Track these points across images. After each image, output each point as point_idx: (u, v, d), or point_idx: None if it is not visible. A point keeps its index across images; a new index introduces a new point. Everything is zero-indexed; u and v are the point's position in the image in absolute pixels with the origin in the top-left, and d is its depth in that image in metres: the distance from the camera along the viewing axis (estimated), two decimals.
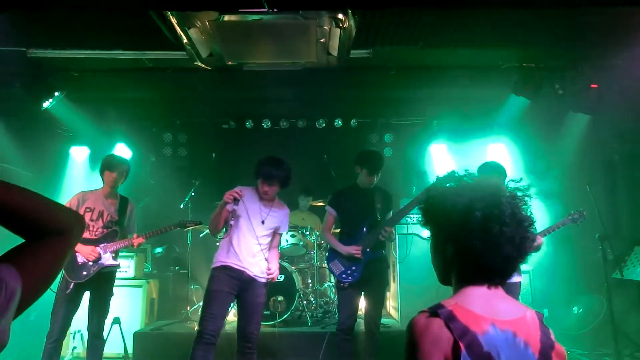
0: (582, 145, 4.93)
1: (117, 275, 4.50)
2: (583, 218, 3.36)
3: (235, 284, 2.98)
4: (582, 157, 4.91)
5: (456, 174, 1.22)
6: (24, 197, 0.79)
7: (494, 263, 1.07)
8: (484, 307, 1.04)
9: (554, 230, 3.34)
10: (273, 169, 3.05)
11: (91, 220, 3.33)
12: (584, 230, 4.25)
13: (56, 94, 4.63)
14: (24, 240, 0.81)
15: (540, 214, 4.62)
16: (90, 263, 3.24)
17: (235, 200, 2.98)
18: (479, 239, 1.06)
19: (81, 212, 3.32)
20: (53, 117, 4.92)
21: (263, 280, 3.08)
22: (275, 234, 3.18)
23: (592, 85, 4.70)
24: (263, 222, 3.09)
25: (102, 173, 3.43)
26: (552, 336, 1.06)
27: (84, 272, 3.24)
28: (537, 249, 3.29)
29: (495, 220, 1.06)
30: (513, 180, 1.19)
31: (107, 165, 3.41)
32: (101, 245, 3.31)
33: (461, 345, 0.97)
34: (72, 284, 3.20)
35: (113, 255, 3.36)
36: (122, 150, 5.61)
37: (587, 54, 4.31)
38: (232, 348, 3.06)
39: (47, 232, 0.80)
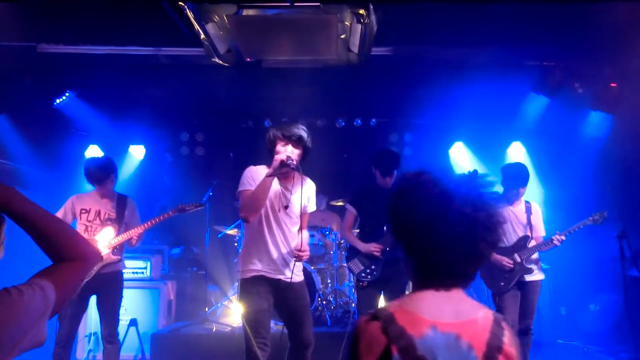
0: (602, 144, 4.90)
1: (134, 276, 4.49)
2: (603, 219, 3.40)
3: (272, 295, 2.59)
4: (602, 156, 4.88)
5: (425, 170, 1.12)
6: (61, 230, 1.06)
7: (437, 265, 1.04)
8: (429, 309, 1.01)
9: (575, 230, 3.39)
10: (292, 127, 2.60)
11: (88, 221, 3.25)
12: (601, 228, 4.23)
13: (68, 91, 4.54)
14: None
15: (560, 213, 4.60)
16: None
17: (287, 165, 2.47)
18: (420, 239, 1.04)
19: (77, 214, 3.27)
20: (65, 115, 4.81)
21: (300, 279, 2.69)
22: (304, 214, 2.68)
23: (612, 84, 4.68)
24: (287, 207, 2.61)
25: (92, 182, 3.30)
26: (506, 338, 1.01)
27: None
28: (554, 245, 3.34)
29: (439, 220, 1.01)
30: (477, 176, 1.12)
31: (97, 178, 3.28)
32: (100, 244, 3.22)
33: (393, 349, 0.95)
34: None
35: (114, 251, 3.28)
36: (138, 150, 5.52)
37: (607, 53, 4.28)
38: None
39: (71, 257, 1.05)
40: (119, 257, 3.33)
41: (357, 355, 0.98)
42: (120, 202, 3.38)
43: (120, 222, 3.32)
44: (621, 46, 4.04)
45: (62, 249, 1.03)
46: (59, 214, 3.23)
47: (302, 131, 2.61)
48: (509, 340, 1.01)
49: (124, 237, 3.27)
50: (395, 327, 0.97)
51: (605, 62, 4.45)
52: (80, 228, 3.26)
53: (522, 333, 3.33)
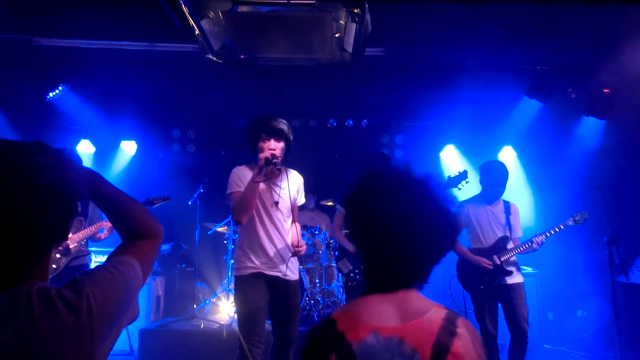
0: (594, 150, 4.92)
1: None
2: (584, 219, 3.34)
3: (269, 292, 2.58)
4: (594, 162, 4.90)
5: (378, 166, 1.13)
6: (139, 210, 1.09)
7: (383, 268, 1.01)
8: (372, 313, 0.98)
9: (555, 231, 3.31)
10: (273, 121, 2.59)
11: None
12: (591, 233, 4.24)
13: (61, 85, 4.53)
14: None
15: (550, 218, 4.61)
16: (58, 255, 3.19)
17: (272, 162, 2.47)
18: (368, 241, 1.02)
19: None
20: (57, 109, 4.81)
21: (296, 278, 2.71)
22: (294, 207, 2.69)
23: (604, 90, 4.70)
24: (277, 203, 2.61)
25: None
26: (458, 338, 0.95)
27: (54, 266, 3.18)
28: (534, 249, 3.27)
29: (376, 221, 0.99)
30: (434, 177, 1.05)
31: None
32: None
33: (332, 356, 0.94)
34: None
35: (82, 243, 3.32)
36: (129, 146, 5.52)
37: (600, 58, 4.29)
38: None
39: (147, 235, 1.07)
40: (87, 250, 3.39)
41: None
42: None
43: (85, 216, 3.35)
44: (615, 52, 4.06)
45: (140, 227, 1.06)
46: None
47: (281, 124, 2.61)
48: (462, 340, 0.95)
49: (91, 229, 3.30)
50: (335, 333, 0.96)
51: (598, 67, 4.46)
52: None
53: (519, 341, 3.18)
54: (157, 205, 3.59)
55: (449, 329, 0.96)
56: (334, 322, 0.97)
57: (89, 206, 3.35)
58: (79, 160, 3.34)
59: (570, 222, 3.33)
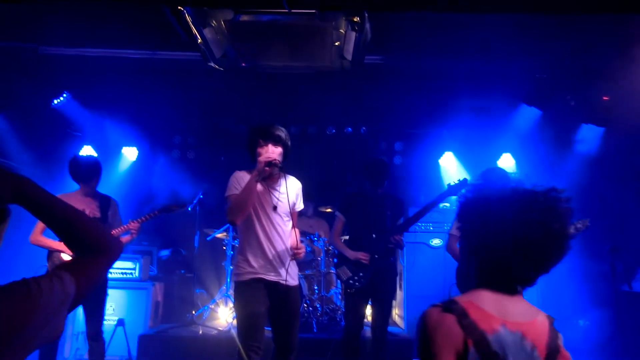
0: (593, 157, 4.92)
1: (123, 277, 4.50)
2: (585, 228, 3.31)
3: (269, 298, 2.58)
4: (593, 169, 4.90)
5: (496, 177, 1.24)
6: (81, 222, 1.01)
7: (506, 270, 1.09)
8: (496, 307, 1.06)
9: None
10: (271, 127, 2.66)
11: None
12: (592, 241, 4.22)
13: (65, 92, 4.62)
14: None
15: None
16: None
17: (273, 164, 2.54)
18: (495, 244, 1.08)
19: None
20: (61, 116, 4.88)
21: (296, 283, 2.72)
22: (293, 212, 2.73)
23: (604, 98, 4.71)
24: (275, 209, 2.64)
25: (77, 181, 3.29)
26: (560, 341, 1.08)
27: None
28: None
29: (517, 228, 1.05)
30: (554, 190, 1.14)
31: (83, 176, 3.28)
32: None
33: (469, 342, 0.99)
34: None
35: None
36: (130, 152, 5.59)
37: (599, 66, 4.31)
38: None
39: (93, 250, 1.01)
40: None
41: (433, 344, 1.01)
42: (104, 201, 3.39)
43: (105, 221, 3.33)
44: (614, 59, 4.08)
45: (82, 242, 0.99)
46: None
47: (279, 131, 2.67)
48: (561, 342, 1.08)
49: (117, 232, 3.29)
50: (469, 321, 1.02)
51: (597, 75, 4.48)
52: None
53: None
54: (175, 211, 3.54)
55: (555, 333, 1.08)
56: (465, 310, 1.03)
57: (109, 212, 3.35)
58: (92, 163, 3.36)
59: (572, 230, 3.33)
